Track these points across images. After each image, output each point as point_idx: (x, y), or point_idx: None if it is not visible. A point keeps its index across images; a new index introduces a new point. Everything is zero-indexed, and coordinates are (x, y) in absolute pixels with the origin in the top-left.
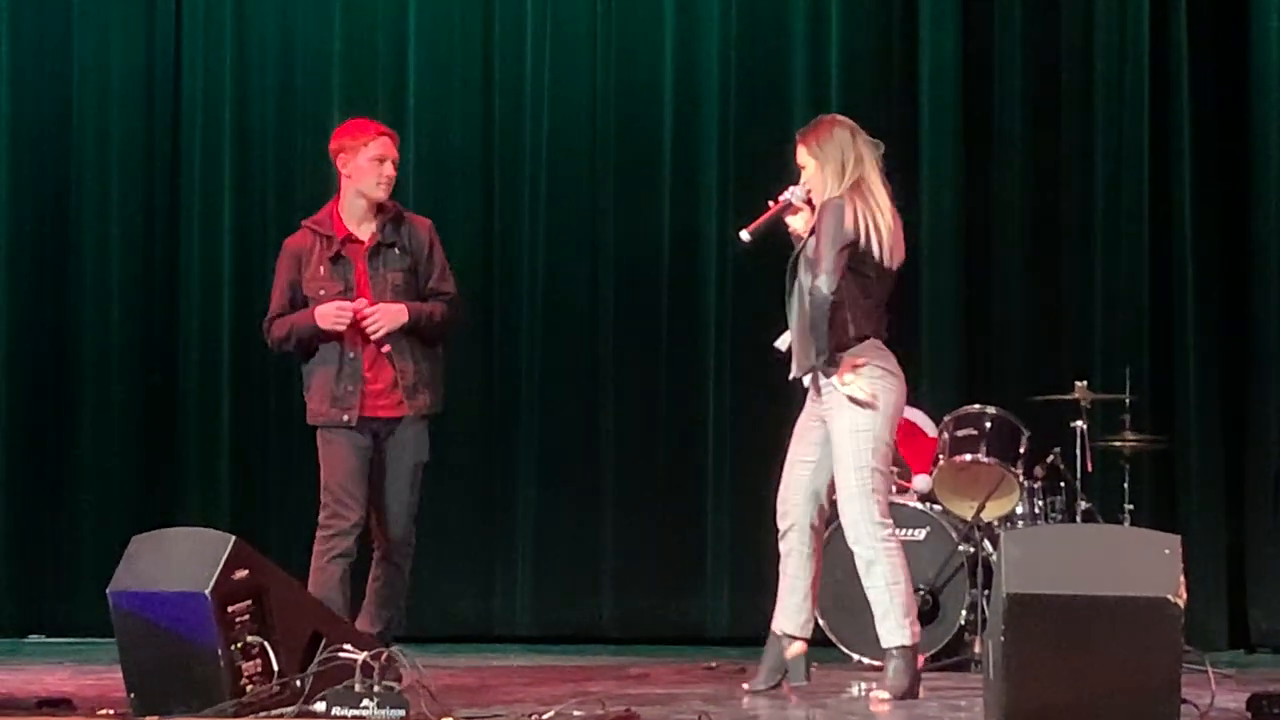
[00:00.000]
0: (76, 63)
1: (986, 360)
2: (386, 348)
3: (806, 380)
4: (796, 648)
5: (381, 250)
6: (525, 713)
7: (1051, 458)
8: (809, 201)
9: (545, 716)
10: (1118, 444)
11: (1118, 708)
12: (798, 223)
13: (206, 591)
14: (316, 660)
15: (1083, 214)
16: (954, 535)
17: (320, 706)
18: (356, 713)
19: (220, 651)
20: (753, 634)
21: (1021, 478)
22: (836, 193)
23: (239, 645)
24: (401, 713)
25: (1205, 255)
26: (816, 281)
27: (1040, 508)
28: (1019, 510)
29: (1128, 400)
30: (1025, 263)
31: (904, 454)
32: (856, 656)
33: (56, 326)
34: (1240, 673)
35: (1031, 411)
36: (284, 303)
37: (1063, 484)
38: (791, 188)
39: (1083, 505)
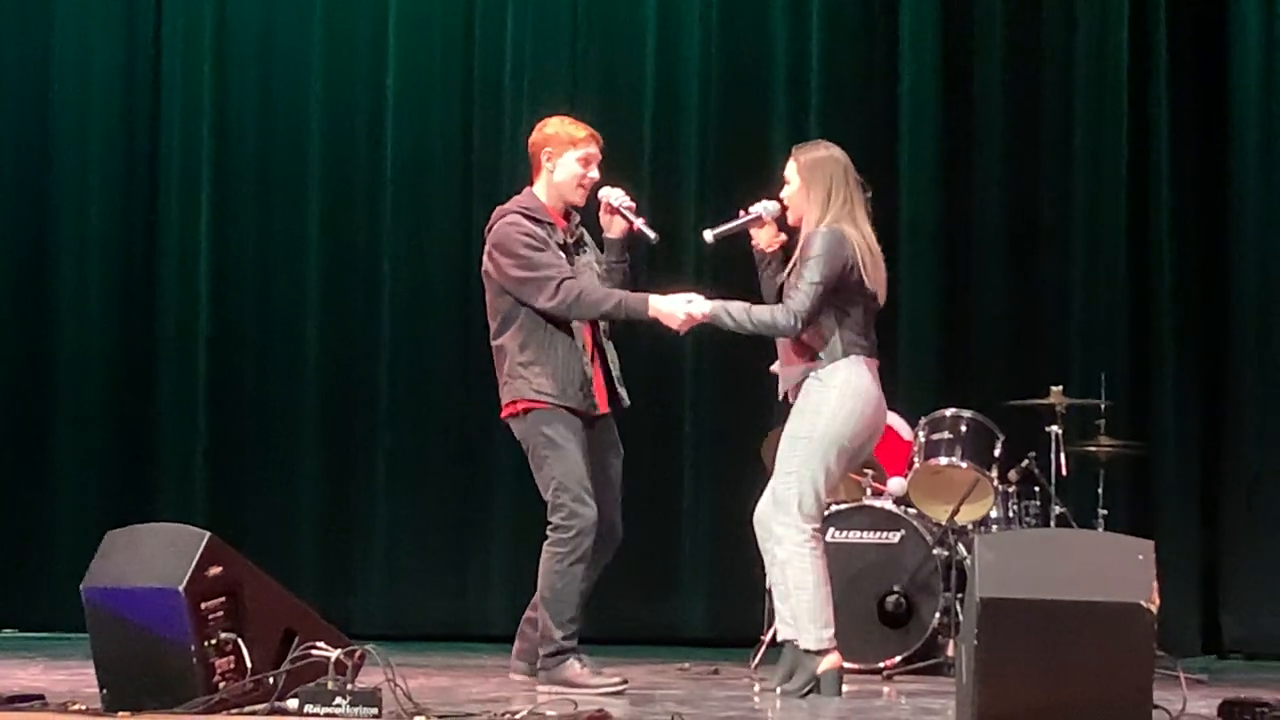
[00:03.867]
0: (56, 62)
1: (963, 364)
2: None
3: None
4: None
5: (582, 245)
6: (498, 712)
7: (1026, 462)
8: (778, 219)
9: (518, 716)
10: (1093, 449)
11: (1090, 713)
12: (762, 237)
13: (180, 588)
14: (290, 658)
15: (1061, 220)
16: (928, 539)
17: (293, 704)
18: (329, 711)
19: (193, 648)
20: (727, 636)
21: (996, 482)
22: (826, 221)
23: (212, 642)
24: (374, 711)
25: (1183, 262)
26: (790, 305)
27: (1015, 512)
28: (993, 514)
29: (1103, 405)
30: (1003, 267)
31: (879, 457)
32: None
33: (34, 322)
34: (1212, 678)
35: (1007, 416)
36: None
37: (1037, 488)
38: (765, 201)
39: (1057, 510)
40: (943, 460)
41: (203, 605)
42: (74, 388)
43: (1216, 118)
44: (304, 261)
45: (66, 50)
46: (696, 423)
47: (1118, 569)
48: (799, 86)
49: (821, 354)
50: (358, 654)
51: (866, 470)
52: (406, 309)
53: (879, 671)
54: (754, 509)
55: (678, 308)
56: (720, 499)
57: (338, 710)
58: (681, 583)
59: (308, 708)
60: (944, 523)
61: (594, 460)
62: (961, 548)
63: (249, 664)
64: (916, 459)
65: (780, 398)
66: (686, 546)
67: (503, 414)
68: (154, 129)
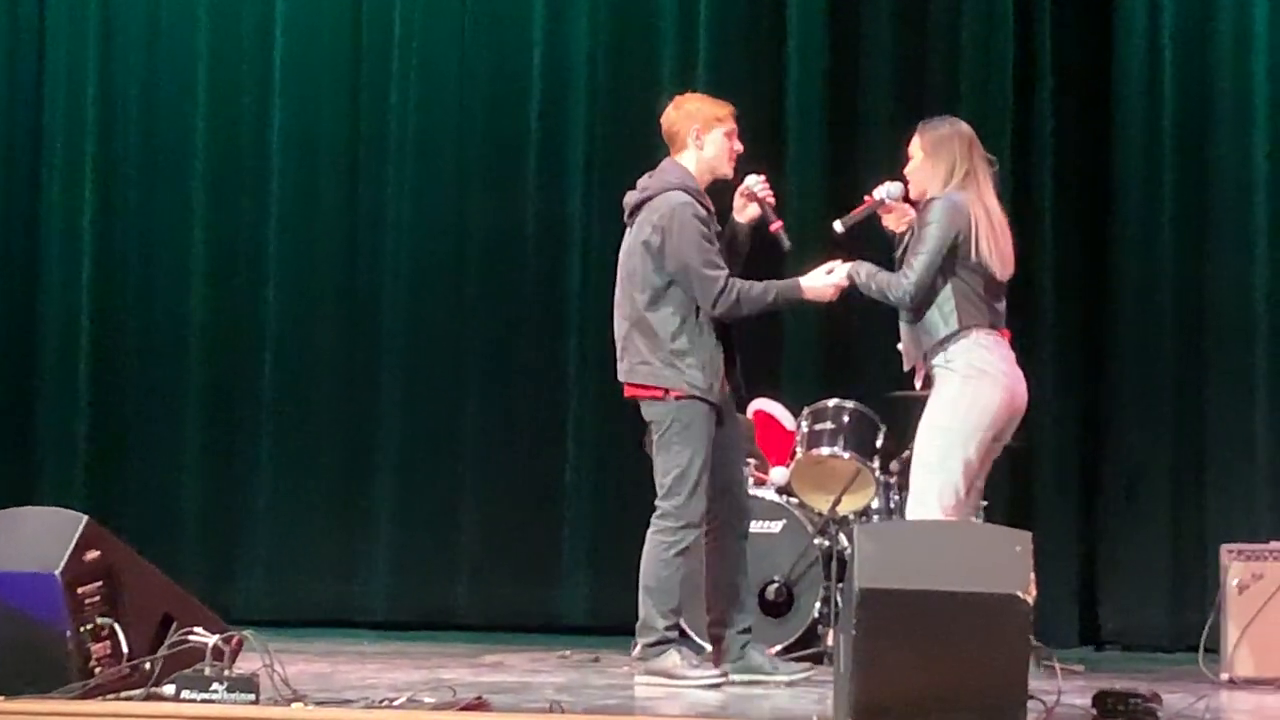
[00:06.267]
0: None
1: (845, 354)
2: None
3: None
4: None
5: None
6: (377, 699)
7: (908, 453)
8: (904, 199)
9: (396, 702)
10: None
11: (966, 702)
12: (890, 221)
13: (56, 572)
14: (166, 643)
15: None
16: (809, 528)
17: (170, 690)
18: (206, 696)
19: (69, 633)
20: (608, 622)
21: (878, 472)
22: (945, 193)
23: (89, 627)
24: (251, 697)
25: (1064, 254)
26: (903, 281)
27: (896, 502)
28: (874, 505)
29: None
30: (887, 256)
31: (761, 447)
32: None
33: None
34: (1088, 669)
35: (889, 406)
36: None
37: None
38: (887, 184)
39: None
40: (825, 450)
41: (79, 590)
42: None
43: (1100, 102)
44: (188, 244)
45: None
46: (580, 411)
47: (995, 560)
48: (686, 74)
49: (939, 327)
50: (235, 640)
51: (749, 460)
52: (291, 292)
53: None
54: (637, 497)
55: (822, 282)
56: (602, 486)
57: (214, 696)
58: (563, 570)
59: (184, 693)
60: (825, 513)
61: (722, 444)
62: (843, 538)
63: (126, 649)
64: (799, 449)
65: (906, 370)
66: (568, 534)
67: (637, 392)
68: (37, 108)
